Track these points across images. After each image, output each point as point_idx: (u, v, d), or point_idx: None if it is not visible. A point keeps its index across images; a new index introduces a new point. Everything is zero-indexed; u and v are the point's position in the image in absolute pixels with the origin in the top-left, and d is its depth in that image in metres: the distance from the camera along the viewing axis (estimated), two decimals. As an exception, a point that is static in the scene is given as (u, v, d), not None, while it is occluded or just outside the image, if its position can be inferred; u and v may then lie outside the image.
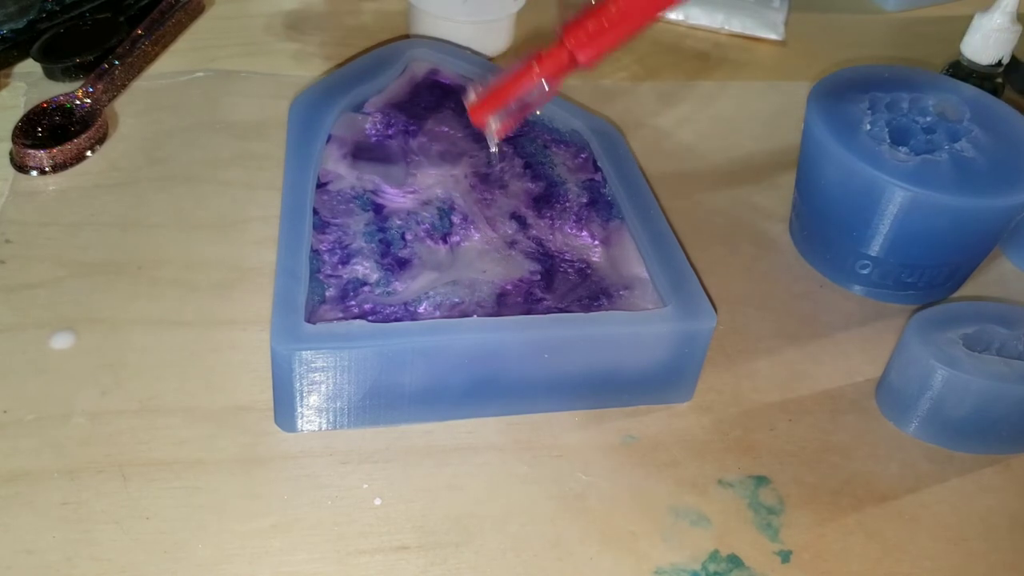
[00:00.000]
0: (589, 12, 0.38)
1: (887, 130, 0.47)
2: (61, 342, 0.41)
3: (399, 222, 0.44)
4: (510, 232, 0.45)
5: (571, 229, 0.45)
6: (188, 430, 0.38)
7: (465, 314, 0.40)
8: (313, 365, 0.37)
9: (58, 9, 0.59)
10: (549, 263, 0.43)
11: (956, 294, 0.50)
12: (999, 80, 0.57)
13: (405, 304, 0.40)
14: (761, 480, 0.40)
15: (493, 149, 0.43)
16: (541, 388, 0.40)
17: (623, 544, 0.37)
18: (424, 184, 0.47)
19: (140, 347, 0.42)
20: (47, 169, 0.50)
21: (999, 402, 0.40)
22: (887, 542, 0.38)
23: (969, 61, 0.56)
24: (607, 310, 0.41)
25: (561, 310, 0.41)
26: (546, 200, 0.47)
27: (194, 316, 0.43)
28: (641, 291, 0.42)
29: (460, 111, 0.52)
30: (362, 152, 0.48)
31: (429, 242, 0.44)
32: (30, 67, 0.57)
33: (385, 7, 0.68)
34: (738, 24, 0.71)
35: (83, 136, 0.51)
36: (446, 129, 0.50)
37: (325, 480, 0.37)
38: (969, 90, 0.51)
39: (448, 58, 0.55)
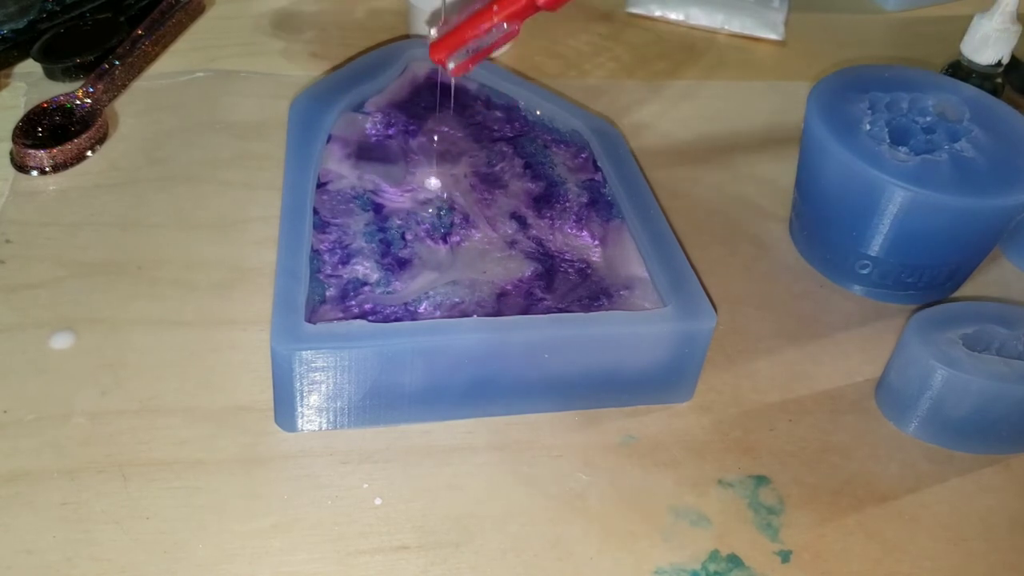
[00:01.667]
0: None
1: (887, 130, 0.47)
2: (61, 342, 0.41)
3: (399, 222, 0.44)
4: (510, 232, 0.45)
5: (571, 229, 0.45)
6: (188, 430, 0.38)
7: (465, 314, 0.40)
8: (313, 365, 0.37)
9: (58, 9, 0.59)
10: (549, 263, 0.43)
11: (956, 294, 0.50)
12: (999, 80, 0.57)
13: (405, 304, 0.40)
14: (761, 480, 0.40)
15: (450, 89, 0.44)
16: (541, 388, 0.40)
17: (623, 544, 0.37)
18: (424, 184, 0.47)
19: (140, 347, 0.42)
20: (47, 169, 0.50)
21: (999, 402, 0.40)
22: (887, 542, 0.38)
23: (969, 61, 0.56)
24: (607, 310, 0.41)
25: (561, 310, 0.41)
26: (546, 200, 0.47)
27: (194, 316, 0.43)
28: (641, 291, 0.42)
29: (460, 111, 0.52)
30: (362, 152, 0.48)
31: (429, 242, 0.44)
32: (30, 67, 0.57)
33: (385, 7, 0.68)
34: (738, 24, 0.71)
35: (83, 136, 0.51)
36: (446, 129, 0.50)
37: (325, 480, 0.37)
38: (969, 90, 0.51)
39: (448, 58, 0.55)
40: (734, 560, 0.36)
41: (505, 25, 0.40)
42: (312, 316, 0.38)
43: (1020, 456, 0.42)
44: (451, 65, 0.41)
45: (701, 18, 0.71)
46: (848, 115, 0.48)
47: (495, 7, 0.40)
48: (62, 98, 0.53)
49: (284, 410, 0.39)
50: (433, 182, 0.46)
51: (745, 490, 0.39)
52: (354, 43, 0.64)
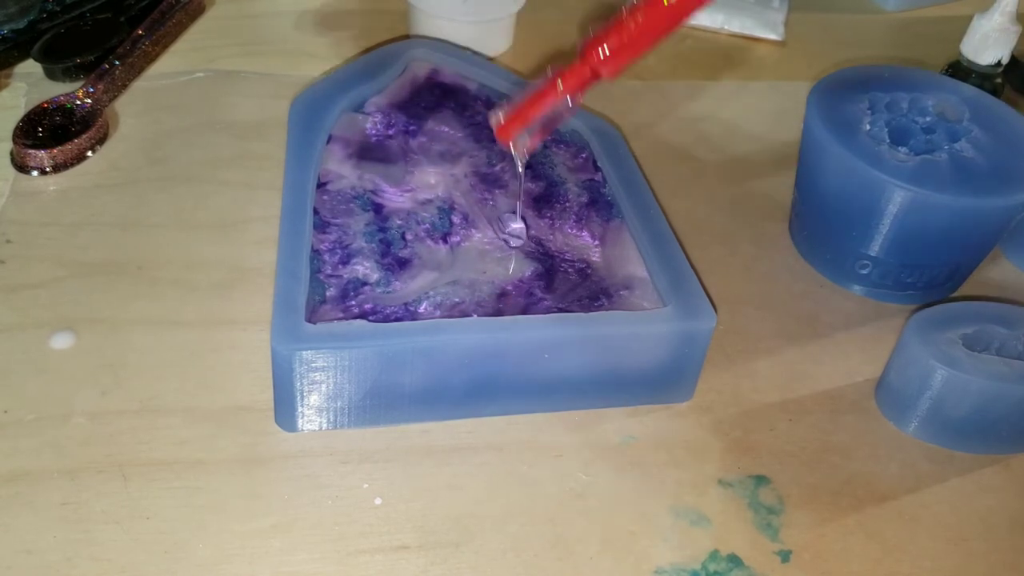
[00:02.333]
0: (610, 28, 0.39)
1: (887, 130, 0.47)
2: (61, 342, 0.41)
3: (399, 222, 0.44)
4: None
5: (571, 229, 0.46)
6: (188, 430, 0.38)
7: (465, 314, 0.40)
8: (313, 365, 0.37)
9: (59, 9, 0.59)
10: (549, 263, 0.43)
11: (956, 294, 0.50)
12: (999, 80, 0.57)
13: (405, 304, 0.40)
14: (761, 480, 0.40)
15: (520, 169, 0.44)
16: (541, 388, 0.40)
17: (623, 544, 0.37)
18: (424, 184, 0.47)
19: (140, 347, 0.42)
20: (48, 169, 0.50)
21: (999, 402, 0.40)
22: (887, 542, 0.38)
23: (969, 61, 0.56)
24: (607, 310, 0.41)
25: (561, 310, 0.41)
26: (546, 200, 0.47)
27: (194, 316, 0.43)
28: (641, 291, 0.42)
29: (460, 111, 0.52)
30: (363, 152, 0.48)
31: (429, 242, 0.44)
32: (31, 67, 0.57)
33: (385, 7, 0.68)
34: (738, 24, 0.71)
35: (83, 136, 0.51)
36: (446, 129, 0.50)
37: (325, 480, 0.37)
38: (969, 90, 0.51)
39: (448, 58, 0.55)
40: (734, 560, 0.36)
41: (569, 100, 0.40)
42: (312, 316, 0.38)
43: (1020, 456, 0.42)
44: (521, 146, 0.41)
45: (701, 18, 0.71)
46: (848, 115, 0.48)
47: (560, 83, 0.40)
48: (62, 98, 0.53)
49: (284, 410, 0.39)
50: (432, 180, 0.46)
51: (745, 490, 0.39)
52: (354, 43, 0.64)
